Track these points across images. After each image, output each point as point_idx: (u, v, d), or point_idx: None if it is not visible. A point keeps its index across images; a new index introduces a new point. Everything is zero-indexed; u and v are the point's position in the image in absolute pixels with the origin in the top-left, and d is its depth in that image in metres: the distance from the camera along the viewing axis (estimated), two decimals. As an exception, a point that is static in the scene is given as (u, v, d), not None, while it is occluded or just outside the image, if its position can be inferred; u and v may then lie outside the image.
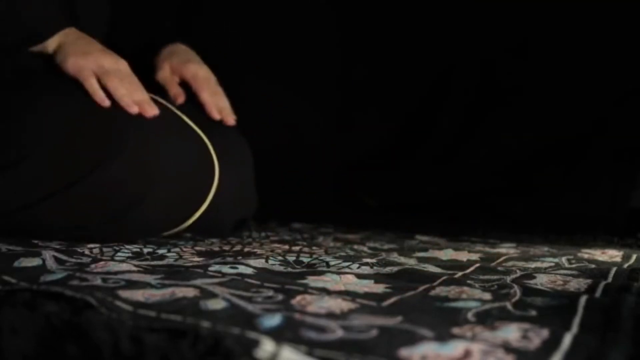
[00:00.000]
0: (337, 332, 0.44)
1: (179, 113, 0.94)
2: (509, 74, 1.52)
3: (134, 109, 0.84)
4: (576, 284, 0.65)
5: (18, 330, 0.42)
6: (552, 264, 0.80)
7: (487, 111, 1.56)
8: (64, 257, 0.70)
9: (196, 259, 0.75)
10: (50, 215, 0.80)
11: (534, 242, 1.09)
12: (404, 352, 0.40)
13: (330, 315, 0.49)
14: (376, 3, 1.50)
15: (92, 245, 0.80)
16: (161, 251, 0.80)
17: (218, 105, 1.01)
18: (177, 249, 0.82)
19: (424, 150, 1.58)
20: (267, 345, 0.39)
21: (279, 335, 0.43)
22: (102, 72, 0.86)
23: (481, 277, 0.69)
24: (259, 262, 0.73)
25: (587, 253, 0.93)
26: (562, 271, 0.74)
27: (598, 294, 0.60)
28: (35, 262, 0.66)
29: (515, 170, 1.51)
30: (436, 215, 1.41)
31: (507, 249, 0.97)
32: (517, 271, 0.73)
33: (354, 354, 0.40)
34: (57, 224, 0.81)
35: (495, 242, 1.07)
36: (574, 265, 0.79)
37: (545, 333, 0.45)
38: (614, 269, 0.75)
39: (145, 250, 0.79)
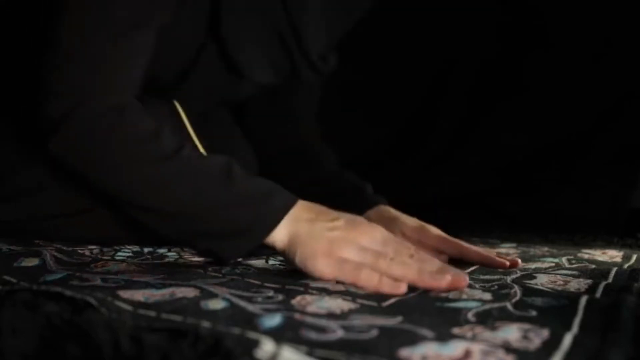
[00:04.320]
0: (338, 332, 0.44)
1: (187, 125, 0.86)
2: (509, 74, 1.52)
3: (440, 284, 0.59)
4: (576, 284, 0.65)
5: (18, 330, 0.42)
6: (552, 264, 0.80)
7: (486, 111, 1.56)
8: (64, 257, 0.70)
9: (196, 258, 0.75)
10: (82, 229, 0.79)
11: (534, 242, 1.09)
12: (404, 352, 0.40)
13: (331, 315, 0.49)
14: (374, 3, 1.50)
15: (92, 246, 0.80)
16: (161, 251, 0.80)
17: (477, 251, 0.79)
18: (177, 249, 0.82)
19: (423, 150, 1.58)
20: (268, 346, 0.39)
21: (279, 335, 0.43)
22: (365, 257, 0.62)
23: (481, 277, 0.69)
24: (259, 262, 0.73)
25: (587, 253, 0.93)
26: (562, 271, 0.74)
27: (598, 294, 0.60)
28: (35, 261, 0.66)
29: (515, 171, 1.51)
30: (436, 215, 1.41)
31: (507, 249, 0.97)
32: (517, 271, 0.73)
33: (354, 354, 0.40)
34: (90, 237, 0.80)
35: (495, 242, 1.07)
36: (574, 266, 0.79)
37: (545, 333, 0.45)
38: (614, 269, 0.75)
39: (146, 250, 0.79)
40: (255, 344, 0.40)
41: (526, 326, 0.47)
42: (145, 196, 0.66)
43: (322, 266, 0.62)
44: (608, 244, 1.08)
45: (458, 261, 0.78)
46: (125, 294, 0.53)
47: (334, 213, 0.67)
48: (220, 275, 0.63)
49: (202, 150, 0.79)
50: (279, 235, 0.65)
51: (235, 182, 0.65)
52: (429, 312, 0.51)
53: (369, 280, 0.60)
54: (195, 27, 0.78)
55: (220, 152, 0.76)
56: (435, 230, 0.80)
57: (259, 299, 0.53)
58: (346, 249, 0.63)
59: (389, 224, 0.80)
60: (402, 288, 0.59)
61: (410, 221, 0.81)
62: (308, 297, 0.55)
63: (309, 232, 0.64)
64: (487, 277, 0.69)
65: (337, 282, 0.62)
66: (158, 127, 0.67)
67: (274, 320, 0.46)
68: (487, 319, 0.49)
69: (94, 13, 0.66)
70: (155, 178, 0.65)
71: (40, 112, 0.65)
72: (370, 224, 0.67)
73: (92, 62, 0.66)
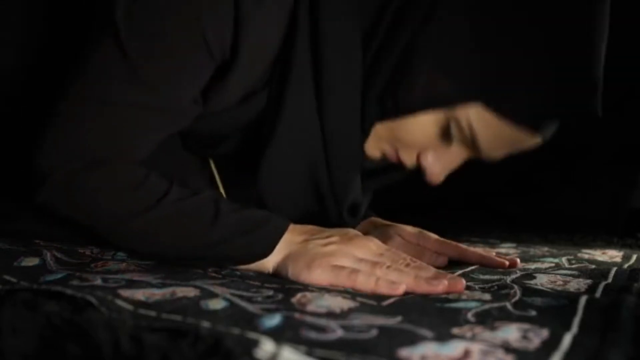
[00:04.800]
0: (337, 332, 0.44)
1: (213, 168, 0.83)
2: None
3: (437, 289, 0.60)
4: (576, 284, 0.65)
5: (18, 330, 0.42)
6: (552, 264, 0.80)
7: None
8: (65, 257, 0.70)
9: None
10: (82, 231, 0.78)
11: (534, 242, 1.09)
12: (403, 352, 0.40)
13: (330, 315, 0.49)
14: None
15: (92, 245, 0.80)
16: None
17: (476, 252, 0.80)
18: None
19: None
20: (267, 345, 0.39)
21: (279, 335, 0.43)
22: (359, 265, 0.63)
23: (481, 277, 0.69)
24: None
25: (587, 253, 0.93)
26: (562, 271, 0.74)
27: (598, 294, 0.60)
28: (35, 261, 0.66)
29: (516, 171, 1.51)
30: (436, 215, 1.41)
31: (507, 249, 0.97)
32: (517, 271, 0.73)
33: (353, 354, 0.40)
34: None
35: (495, 242, 1.07)
36: (574, 266, 0.79)
37: (545, 333, 0.45)
38: (614, 269, 0.75)
39: (146, 250, 0.79)
40: (255, 343, 0.40)
41: (526, 326, 0.47)
42: (134, 243, 0.67)
43: (317, 274, 0.62)
44: (608, 244, 1.08)
45: (458, 263, 0.78)
46: (125, 293, 0.53)
47: (327, 231, 0.67)
48: (220, 277, 0.63)
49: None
50: (272, 260, 0.65)
51: (222, 220, 0.65)
52: (429, 312, 0.51)
53: (366, 283, 0.60)
54: (235, 127, 0.74)
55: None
56: (432, 235, 0.81)
57: (259, 299, 0.53)
58: (342, 259, 0.63)
59: (386, 230, 0.80)
60: (400, 289, 0.59)
61: (408, 227, 0.82)
62: (308, 295, 0.55)
63: (303, 249, 0.65)
64: (487, 277, 0.69)
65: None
66: (144, 175, 0.65)
67: (273, 320, 0.46)
68: (486, 319, 0.49)
69: (107, 91, 0.64)
70: (141, 227, 0.64)
71: (32, 162, 0.64)
72: (366, 237, 0.67)
73: (90, 128, 0.64)
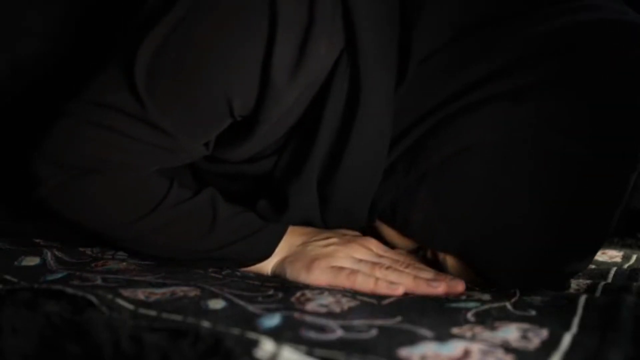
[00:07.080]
0: (337, 332, 0.44)
1: None
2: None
3: (436, 290, 0.60)
4: (576, 284, 0.65)
5: (19, 329, 0.42)
6: (552, 264, 0.80)
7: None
8: (65, 256, 0.70)
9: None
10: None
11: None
12: (403, 352, 0.40)
13: (330, 315, 0.49)
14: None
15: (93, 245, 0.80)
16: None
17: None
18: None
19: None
20: (267, 345, 0.39)
21: (279, 335, 0.43)
22: (358, 266, 0.63)
23: (481, 277, 0.69)
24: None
25: (587, 253, 0.93)
26: (562, 271, 0.74)
27: (598, 294, 0.60)
28: (36, 260, 0.66)
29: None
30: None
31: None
32: (517, 271, 0.73)
33: (353, 354, 0.40)
34: None
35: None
36: (573, 265, 0.79)
37: (544, 333, 0.45)
38: (614, 269, 0.75)
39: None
40: (255, 343, 0.40)
41: (525, 326, 0.47)
42: (133, 246, 0.66)
43: (316, 275, 0.62)
44: (608, 244, 1.07)
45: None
46: (126, 292, 0.53)
47: (326, 232, 0.67)
48: (220, 277, 0.63)
49: None
50: (271, 262, 0.65)
51: (221, 225, 0.64)
52: (428, 312, 0.51)
53: (365, 283, 0.60)
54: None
55: None
56: None
57: (259, 298, 0.53)
58: (341, 260, 0.63)
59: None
60: (399, 290, 0.59)
61: None
62: (308, 293, 0.55)
63: (302, 250, 0.65)
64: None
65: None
66: (142, 179, 0.63)
67: (273, 320, 0.46)
68: (486, 318, 0.49)
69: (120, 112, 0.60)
70: (139, 232, 0.63)
71: (28, 166, 0.62)
72: (365, 238, 0.67)
73: (88, 150, 0.62)
